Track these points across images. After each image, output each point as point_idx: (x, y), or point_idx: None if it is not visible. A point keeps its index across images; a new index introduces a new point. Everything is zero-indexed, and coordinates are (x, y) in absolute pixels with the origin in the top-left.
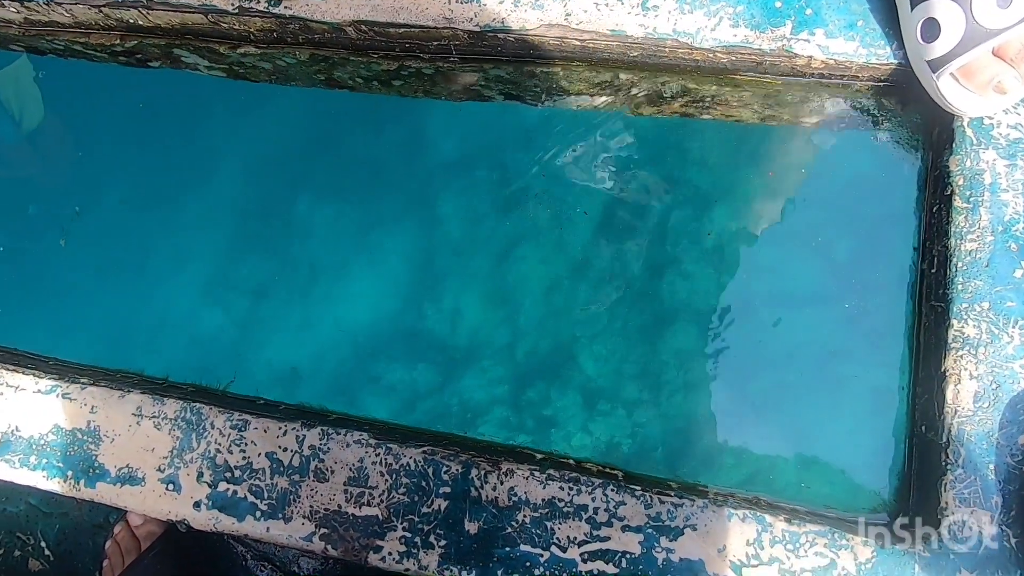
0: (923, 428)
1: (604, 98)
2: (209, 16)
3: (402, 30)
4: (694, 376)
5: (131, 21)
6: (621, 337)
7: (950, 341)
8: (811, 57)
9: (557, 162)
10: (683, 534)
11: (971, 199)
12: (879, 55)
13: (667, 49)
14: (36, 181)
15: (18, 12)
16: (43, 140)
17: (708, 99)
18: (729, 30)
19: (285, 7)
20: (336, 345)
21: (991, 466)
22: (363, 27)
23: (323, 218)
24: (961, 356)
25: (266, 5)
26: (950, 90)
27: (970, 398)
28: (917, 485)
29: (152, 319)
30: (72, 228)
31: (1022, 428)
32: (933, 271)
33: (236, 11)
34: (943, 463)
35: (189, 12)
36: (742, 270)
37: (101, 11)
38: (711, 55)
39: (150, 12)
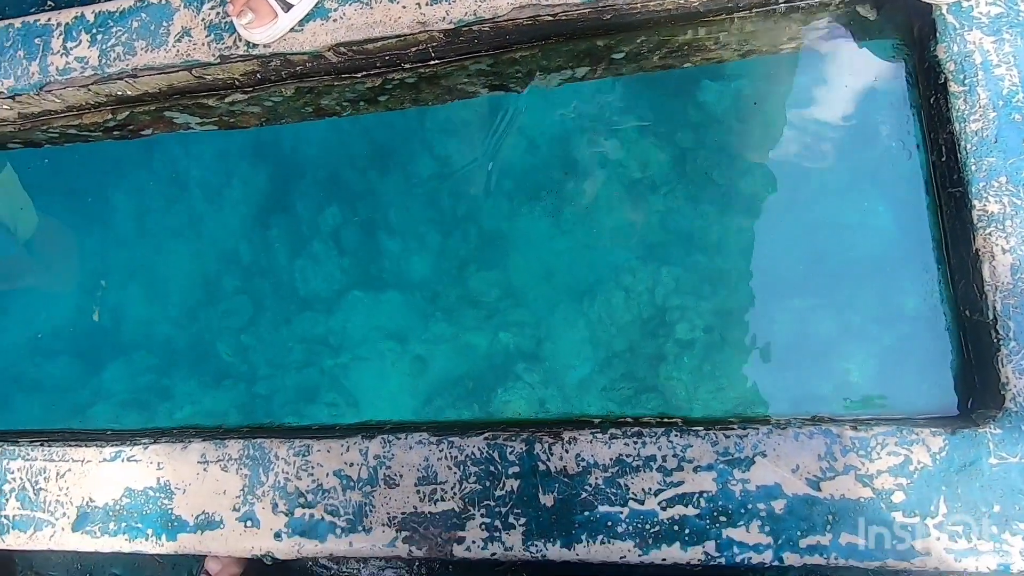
0: (967, 312)
1: (584, 68)
2: (193, 71)
3: (379, 43)
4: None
5: (120, 93)
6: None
7: (975, 221)
8: None
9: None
10: (754, 463)
11: (966, 81)
12: None
13: (639, 4)
14: (63, 274)
15: (11, 108)
16: (43, 241)
17: (687, 47)
18: None
19: (264, 46)
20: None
21: None
22: (342, 49)
23: None
24: (990, 233)
25: (246, 48)
26: None
27: (1007, 272)
28: (977, 367)
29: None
30: (102, 301)
31: None
32: (943, 159)
33: (218, 60)
34: (994, 340)
35: (173, 71)
36: (746, 204)
37: (90, 90)
38: (683, 1)
39: (136, 80)
